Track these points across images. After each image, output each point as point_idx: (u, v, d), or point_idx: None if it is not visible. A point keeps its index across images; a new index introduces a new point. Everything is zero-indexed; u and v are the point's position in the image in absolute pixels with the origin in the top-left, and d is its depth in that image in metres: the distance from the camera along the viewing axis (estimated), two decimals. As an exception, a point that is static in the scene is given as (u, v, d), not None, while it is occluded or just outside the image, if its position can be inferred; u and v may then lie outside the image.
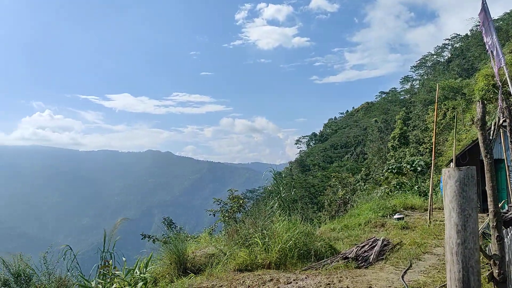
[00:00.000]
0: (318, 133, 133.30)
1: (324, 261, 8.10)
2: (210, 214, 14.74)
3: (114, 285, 8.44)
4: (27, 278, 8.14)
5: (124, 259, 9.58)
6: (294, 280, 6.90)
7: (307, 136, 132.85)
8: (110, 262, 9.80)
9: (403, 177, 22.80)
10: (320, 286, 6.52)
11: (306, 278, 6.99)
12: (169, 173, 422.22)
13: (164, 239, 12.67)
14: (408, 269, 7.42)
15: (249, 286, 6.78)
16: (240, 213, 14.06)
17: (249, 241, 8.46)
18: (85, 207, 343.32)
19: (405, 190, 18.59)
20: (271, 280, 6.93)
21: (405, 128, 60.48)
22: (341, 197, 20.15)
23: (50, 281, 8.22)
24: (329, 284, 6.61)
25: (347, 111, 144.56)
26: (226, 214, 13.56)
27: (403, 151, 50.29)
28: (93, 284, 9.15)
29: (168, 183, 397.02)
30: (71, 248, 9.83)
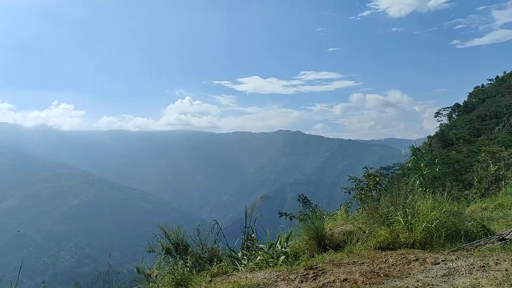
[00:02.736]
0: (461, 104, 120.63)
1: (476, 242, 7.42)
2: (345, 192, 14.62)
3: (258, 257, 9.03)
4: (184, 247, 9.17)
5: (267, 233, 10.16)
6: (442, 261, 6.48)
7: (448, 107, 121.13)
8: (254, 236, 10.48)
9: None
10: (473, 268, 6.00)
11: (456, 259, 6.50)
12: (300, 151, 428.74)
13: (300, 216, 13.02)
14: None
15: (392, 264, 6.59)
16: (376, 191, 13.65)
17: (389, 219, 8.19)
18: (224, 185, 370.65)
19: None
20: (417, 259, 6.62)
21: None
22: (492, 173, 18.02)
23: (204, 251, 9.12)
24: (483, 266, 6.04)
25: (497, 76, 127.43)
26: (362, 192, 13.30)
27: None
28: (239, 255, 9.93)
29: (299, 162, 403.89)
30: (217, 223, 10.78)
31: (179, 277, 7.59)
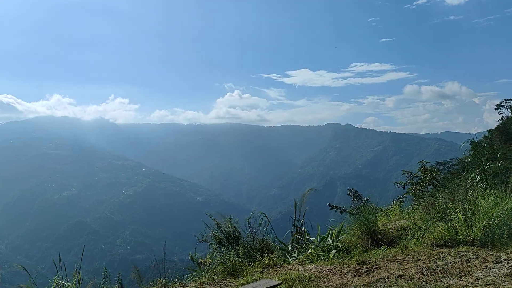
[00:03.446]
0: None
1: (543, 242, 6.99)
2: (399, 187, 14.19)
3: (309, 250, 9.01)
4: (236, 238, 9.34)
5: (318, 227, 10.11)
6: (505, 259, 6.16)
7: (511, 99, 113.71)
8: (304, 230, 10.46)
9: None
10: (541, 269, 5.66)
11: (520, 259, 6.16)
12: (350, 145, 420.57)
13: (351, 210, 12.82)
14: None
15: (450, 262, 6.34)
16: (432, 186, 13.15)
17: (447, 215, 7.88)
18: (273, 178, 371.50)
19: None
20: (477, 258, 6.34)
21: None
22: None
23: (255, 242, 9.24)
24: (552, 268, 5.68)
25: None
26: (417, 187, 12.84)
27: None
28: (289, 248, 9.96)
29: (350, 156, 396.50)
30: (265, 215, 10.87)
31: (231, 266, 7.75)
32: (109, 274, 8.10)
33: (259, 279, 6.74)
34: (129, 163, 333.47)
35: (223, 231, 9.31)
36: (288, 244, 10.19)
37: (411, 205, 12.05)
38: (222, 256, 8.39)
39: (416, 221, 8.77)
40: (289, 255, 9.29)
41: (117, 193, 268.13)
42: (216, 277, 7.68)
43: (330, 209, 14.69)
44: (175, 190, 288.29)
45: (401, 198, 13.95)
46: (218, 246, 9.17)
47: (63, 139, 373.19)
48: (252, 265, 8.10)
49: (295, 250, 9.62)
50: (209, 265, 8.34)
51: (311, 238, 9.92)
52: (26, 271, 6.73)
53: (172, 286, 7.47)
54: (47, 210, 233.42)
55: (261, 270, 7.65)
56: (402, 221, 9.62)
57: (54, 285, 7.18)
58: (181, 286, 7.42)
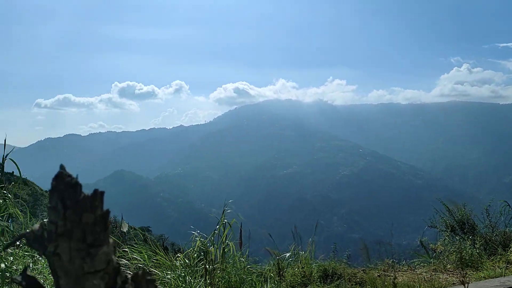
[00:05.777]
0: None
1: None
2: None
3: None
4: (471, 227, 8.55)
5: None
6: None
7: None
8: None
9: None
10: None
11: None
12: None
13: None
14: None
15: None
16: None
17: None
18: (508, 164, 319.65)
19: None
20: None
21: None
22: None
23: (495, 234, 8.28)
24: None
25: None
26: None
27: None
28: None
29: None
30: (508, 204, 9.52)
31: (467, 257, 7.17)
32: (338, 248, 8.59)
33: (505, 275, 6.03)
34: (346, 143, 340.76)
35: (456, 218, 8.65)
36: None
37: None
38: (456, 244, 7.81)
39: None
40: (539, 254, 7.97)
41: (334, 172, 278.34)
42: (449, 266, 7.24)
43: None
44: (392, 172, 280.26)
45: None
46: (450, 234, 8.58)
47: (287, 120, 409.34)
48: (492, 259, 7.30)
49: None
50: (440, 252, 7.91)
51: None
52: (271, 238, 7.76)
53: (401, 268, 7.41)
54: (274, 185, 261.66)
55: (505, 265, 6.82)
56: None
57: (291, 251, 8.09)
58: (410, 270, 7.30)
